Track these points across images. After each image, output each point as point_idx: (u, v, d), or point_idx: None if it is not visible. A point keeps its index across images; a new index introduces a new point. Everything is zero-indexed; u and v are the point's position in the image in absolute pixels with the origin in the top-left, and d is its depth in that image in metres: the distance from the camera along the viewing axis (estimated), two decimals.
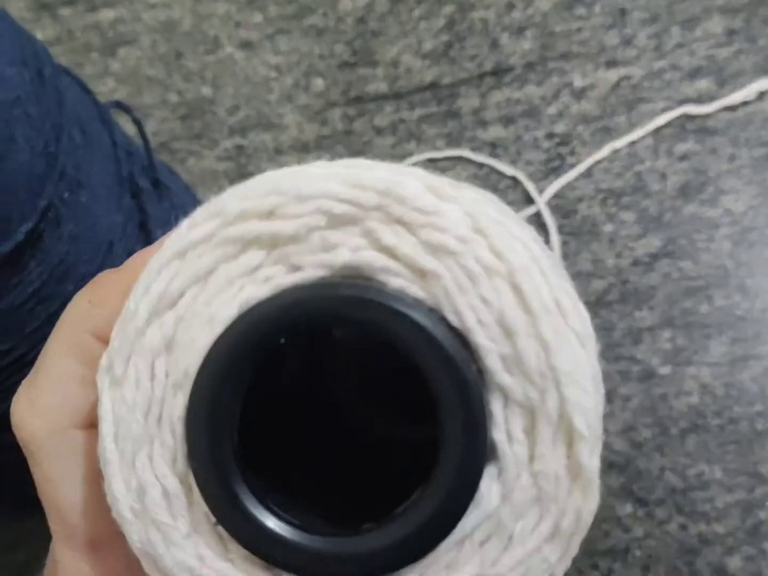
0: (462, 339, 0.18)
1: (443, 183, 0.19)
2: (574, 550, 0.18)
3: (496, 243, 0.18)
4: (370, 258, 0.18)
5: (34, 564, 0.50)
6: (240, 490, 0.18)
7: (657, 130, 0.53)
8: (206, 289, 0.19)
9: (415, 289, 0.18)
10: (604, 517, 0.46)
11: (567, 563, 0.18)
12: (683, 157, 0.52)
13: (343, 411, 0.23)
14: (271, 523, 0.18)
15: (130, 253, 0.36)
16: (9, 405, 0.30)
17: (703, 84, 0.54)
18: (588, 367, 0.19)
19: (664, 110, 0.53)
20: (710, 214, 0.51)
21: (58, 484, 0.21)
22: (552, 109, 0.55)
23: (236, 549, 0.18)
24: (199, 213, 0.19)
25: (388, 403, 0.22)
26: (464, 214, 0.18)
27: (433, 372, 0.17)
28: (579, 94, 0.55)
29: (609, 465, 0.47)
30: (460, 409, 0.17)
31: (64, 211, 0.32)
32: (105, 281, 0.21)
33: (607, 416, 0.48)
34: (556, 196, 0.53)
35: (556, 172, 0.53)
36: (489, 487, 0.18)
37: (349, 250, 0.18)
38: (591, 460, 0.18)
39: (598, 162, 0.53)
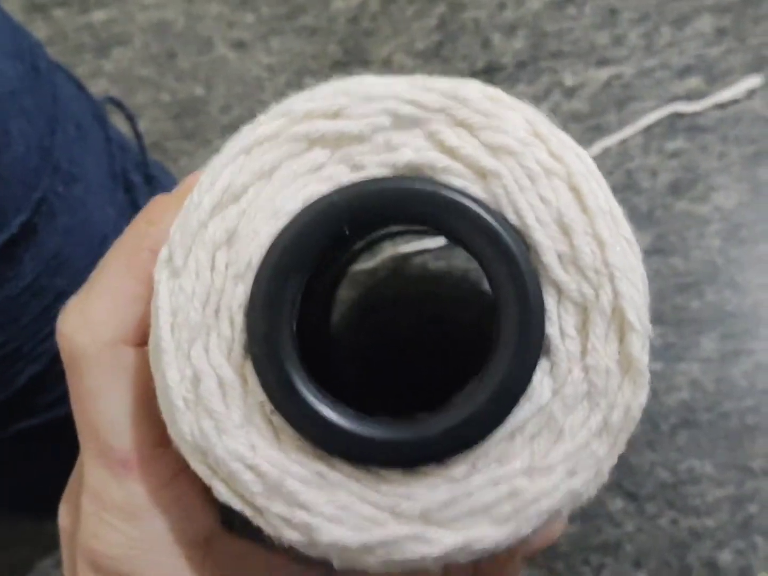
0: (521, 238, 0.18)
1: (502, 93, 0.20)
2: (621, 446, 0.19)
3: (555, 148, 0.19)
4: (432, 158, 0.19)
5: (28, 565, 0.50)
6: (297, 377, 0.18)
7: (647, 129, 0.54)
8: (270, 185, 0.19)
9: (475, 189, 0.19)
10: (596, 513, 0.46)
11: (613, 460, 0.19)
12: (673, 155, 0.53)
13: (402, 308, 0.23)
14: (327, 410, 0.18)
15: None
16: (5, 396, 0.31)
17: (692, 82, 0.54)
18: (638, 267, 0.19)
19: (654, 108, 0.54)
20: (700, 211, 0.51)
21: (98, 399, 0.21)
22: (543, 108, 0.55)
23: (289, 439, 0.18)
24: (265, 114, 0.20)
25: (448, 302, 0.23)
26: (524, 120, 0.20)
27: (492, 265, 0.18)
28: (570, 93, 0.55)
29: None
30: (517, 301, 0.18)
31: (59, 205, 0.33)
32: (161, 202, 0.22)
33: None
34: None
35: None
36: (541, 381, 0.19)
37: (412, 150, 0.19)
38: (642, 353, 0.19)
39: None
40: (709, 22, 0.55)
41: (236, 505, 0.19)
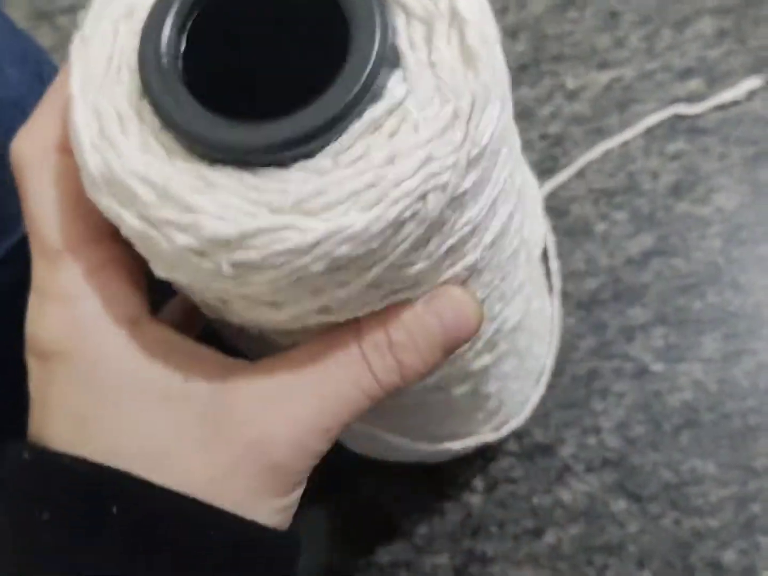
0: None
1: None
2: (472, 138, 0.21)
3: None
4: None
5: None
6: (182, 95, 0.21)
7: (648, 131, 0.54)
8: None
9: None
10: (599, 514, 0.46)
11: (470, 150, 0.21)
12: (674, 157, 0.53)
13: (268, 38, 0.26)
14: (206, 122, 0.21)
15: None
16: None
17: (693, 84, 0.54)
18: None
19: (656, 110, 0.54)
20: (702, 212, 0.52)
21: (37, 199, 0.24)
22: (545, 111, 0.56)
23: (177, 154, 0.21)
24: None
25: (305, 28, 0.25)
26: None
27: None
28: (571, 96, 0.56)
29: (603, 462, 0.47)
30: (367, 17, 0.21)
31: None
32: None
33: (601, 413, 0.48)
34: (550, 196, 0.53)
35: (549, 172, 0.54)
36: (395, 85, 0.21)
37: None
38: (478, 41, 0.21)
39: (591, 162, 0.53)
40: (709, 24, 0.56)
41: (136, 224, 0.21)
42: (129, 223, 0.21)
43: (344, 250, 0.20)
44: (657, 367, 0.49)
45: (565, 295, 0.51)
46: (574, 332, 0.50)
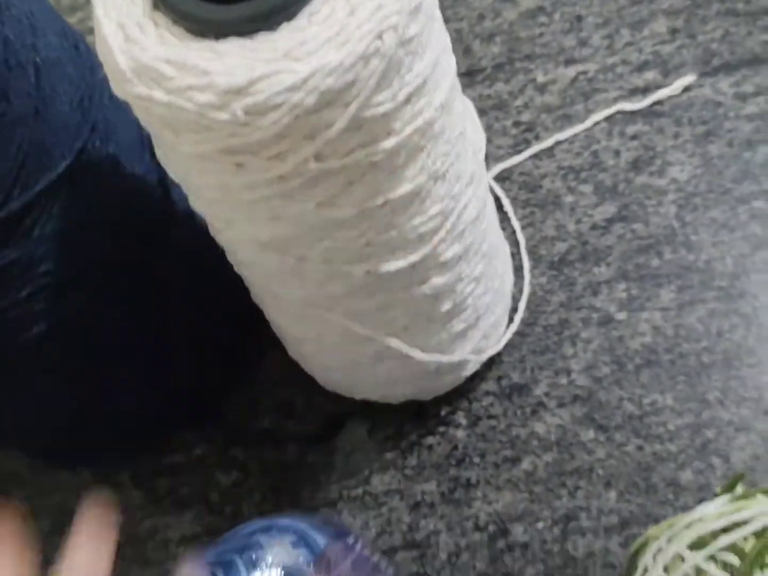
0: None
1: None
2: None
3: None
4: None
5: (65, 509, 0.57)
6: None
7: (609, 117, 0.61)
8: None
9: None
10: (570, 443, 0.52)
11: (410, 3, 0.28)
12: (634, 137, 0.60)
13: None
14: (209, 6, 0.27)
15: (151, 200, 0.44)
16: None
17: (650, 75, 0.61)
18: None
19: (617, 99, 0.61)
20: (658, 183, 0.58)
21: None
22: (518, 102, 0.63)
23: (189, 38, 0.28)
24: None
25: None
26: None
27: None
28: (542, 88, 0.63)
29: (573, 398, 0.53)
30: None
31: (95, 157, 0.40)
32: None
33: (571, 357, 0.54)
34: (524, 173, 0.60)
35: (522, 154, 0.61)
36: None
37: None
38: None
39: (559, 142, 0.60)
40: (663, 23, 0.63)
41: (164, 98, 0.28)
42: (159, 99, 0.28)
43: (328, 82, 0.27)
44: (620, 315, 0.55)
45: (538, 258, 0.57)
46: (546, 289, 0.56)
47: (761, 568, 0.38)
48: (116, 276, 0.43)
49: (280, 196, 0.32)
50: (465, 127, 0.38)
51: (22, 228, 0.37)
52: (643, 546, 0.43)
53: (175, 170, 0.34)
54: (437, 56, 0.32)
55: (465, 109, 0.38)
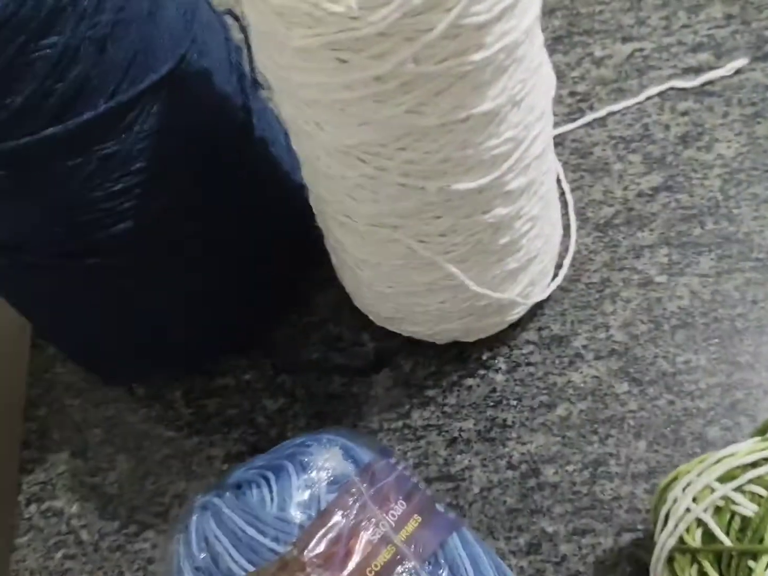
0: None
1: None
2: None
3: None
4: None
5: (117, 421, 0.60)
6: None
7: (661, 93, 0.63)
8: None
9: None
10: (605, 393, 0.54)
11: None
12: (684, 113, 0.62)
13: None
14: None
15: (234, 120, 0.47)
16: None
17: (703, 57, 0.64)
18: None
19: (670, 77, 0.63)
20: (705, 157, 0.60)
21: None
22: (575, 73, 0.66)
23: None
24: None
25: None
26: None
27: None
28: (598, 62, 0.66)
29: (610, 351, 0.55)
30: None
31: (193, 67, 0.43)
32: None
33: (610, 314, 0.57)
34: (576, 140, 0.63)
35: (576, 122, 0.63)
36: None
37: None
38: None
39: (612, 114, 0.63)
40: (719, 8, 0.65)
41: None
42: None
43: None
44: (660, 279, 0.57)
45: (585, 220, 0.60)
46: (591, 249, 0.59)
47: None
48: (195, 185, 0.46)
49: (373, 98, 0.34)
50: (542, 62, 0.40)
51: (125, 122, 0.40)
52: (673, 480, 0.45)
53: (276, 72, 0.36)
54: None
55: (542, 48, 0.41)
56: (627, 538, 0.50)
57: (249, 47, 0.50)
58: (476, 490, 0.53)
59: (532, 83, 0.39)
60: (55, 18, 0.34)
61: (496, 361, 0.57)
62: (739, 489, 0.41)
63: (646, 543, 0.50)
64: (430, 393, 0.56)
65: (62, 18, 0.35)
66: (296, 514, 0.44)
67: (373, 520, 0.44)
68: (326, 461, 0.46)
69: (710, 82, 0.63)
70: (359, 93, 0.34)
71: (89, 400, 0.60)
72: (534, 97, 0.40)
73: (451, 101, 0.35)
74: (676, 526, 0.42)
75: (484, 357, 0.57)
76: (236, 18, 0.50)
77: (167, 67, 0.41)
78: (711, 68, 0.63)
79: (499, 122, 0.38)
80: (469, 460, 0.54)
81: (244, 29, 0.50)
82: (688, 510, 0.42)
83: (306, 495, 0.44)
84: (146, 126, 0.41)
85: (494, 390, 0.56)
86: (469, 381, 0.56)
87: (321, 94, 0.35)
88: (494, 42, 0.34)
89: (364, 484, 0.46)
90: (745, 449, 0.43)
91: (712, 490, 0.42)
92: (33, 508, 0.57)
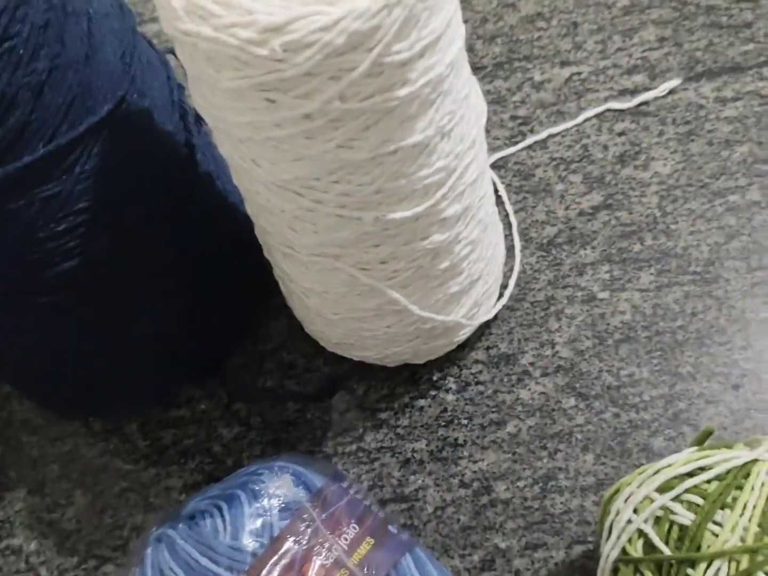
0: None
1: None
2: None
3: None
4: None
5: (75, 456, 0.60)
6: None
7: (599, 114, 0.65)
8: None
9: None
10: (553, 409, 0.56)
11: None
12: (621, 133, 0.64)
13: None
14: None
15: (178, 157, 0.47)
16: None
17: (638, 78, 0.66)
18: None
19: (607, 98, 0.65)
20: (642, 175, 0.62)
21: None
22: (516, 98, 0.67)
23: None
24: None
25: None
26: None
27: None
28: (538, 86, 0.67)
29: (557, 368, 0.57)
30: None
31: (133, 107, 0.44)
32: None
33: (556, 331, 0.58)
34: (519, 162, 0.64)
35: (517, 145, 0.65)
36: None
37: None
38: None
39: (552, 136, 0.65)
40: (653, 31, 0.68)
41: (211, 33, 0.31)
42: (205, 35, 0.32)
43: (356, 25, 0.30)
44: (603, 295, 0.59)
45: (529, 240, 0.61)
46: (535, 268, 0.60)
47: (722, 507, 0.41)
48: (141, 223, 0.47)
49: (304, 134, 0.36)
50: (470, 92, 0.42)
51: (66, 164, 0.40)
52: (616, 493, 0.47)
53: (211, 111, 0.38)
54: (450, 18, 0.36)
55: (470, 79, 0.42)
56: (578, 550, 0.52)
57: None
58: (430, 509, 0.54)
59: (460, 114, 0.41)
60: None
61: (447, 381, 0.58)
62: (677, 498, 0.43)
63: (596, 554, 0.51)
64: (383, 415, 0.57)
65: None
66: (249, 543, 0.44)
67: (326, 544, 0.45)
68: (277, 488, 0.47)
69: (645, 103, 0.65)
70: (289, 130, 0.35)
71: (46, 436, 0.61)
72: (463, 126, 0.42)
73: (380, 135, 0.37)
74: (618, 537, 0.44)
75: (435, 378, 0.58)
76: (177, 57, 0.51)
77: (106, 108, 0.42)
78: (646, 89, 0.65)
79: (429, 153, 0.40)
80: (423, 480, 0.55)
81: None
82: (629, 521, 0.43)
83: (258, 523, 0.45)
84: (87, 167, 0.42)
85: (445, 410, 0.57)
86: (421, 402, 0.57)
87: (254, 132, 0.36)
88: (418, 77, 0.35)
89: (316, 509, 0.46)
90: (683, 459, 0.44)
91: (652, 501, 0.43)
92: None
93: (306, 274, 0.48)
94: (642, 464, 0.53)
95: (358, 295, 0.48)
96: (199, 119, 0.52)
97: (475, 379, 0.58)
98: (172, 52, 0.49)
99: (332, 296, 0.49)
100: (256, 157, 0.39)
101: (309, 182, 0.39)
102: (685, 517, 0.42)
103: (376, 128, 0.36)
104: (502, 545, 0.52)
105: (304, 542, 0.45)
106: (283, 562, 0.44)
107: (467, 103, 0.41)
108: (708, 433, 0.47)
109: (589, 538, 0.52)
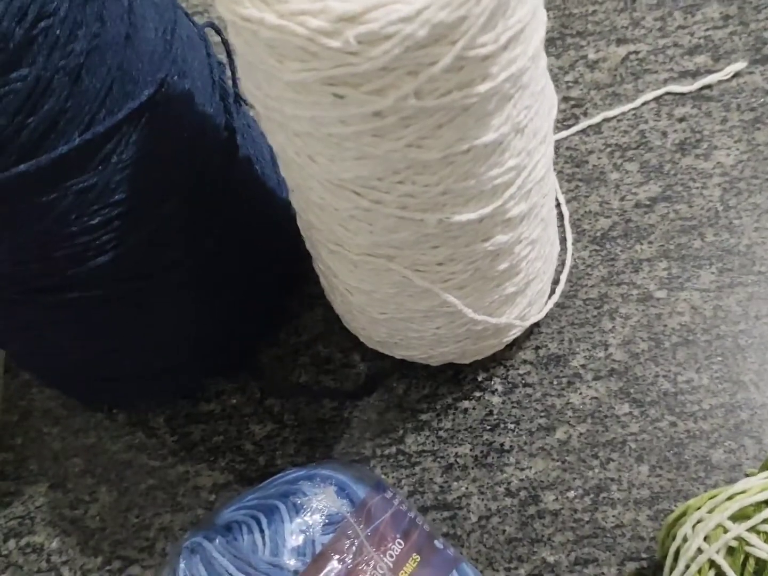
0: None
1: None
2: None
3: None
4: None
5: (98, 450, 0.57)
6: None
7: (658, 98, 0.61)
8: None
9: None
10: (605, 415, 0.52)
11: None
12: (682, 119, 0.60)
13: None
14: None
15: (217, 141, 0.44)
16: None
17: (700, 59, 0.62)
18: None
19: (667, 81, 0.61)
20: (704, 166, 0.58)
21: None
22: (568, 77, 0.63)
23: None
24: None
25: None
26: None
27: None
28: (592, 66, 0.63)
29: (610, 371, 0.53)
30: None
31: (173, 90, 0.40)
32: None
33: (609, 331, 0.55)
34: (570, 148, 0.60)
35: (570, 129, 0.61)
36: None
37: None
38: None
39: (607, 120, 0.61)
40: (716, 8, 0.63)
41: (275, 21, 0.28)
42: (269, 22, 0.28)
43: (441, 16, 0.27)
44: (660, 294, 0.55)
45: (581, 232, 0.58)
46: (588, 263, 0.57)
47: None
48: (178, 214, 0.43)
49: (371, 133, 0.32)
50: (545, 84, 0.38)
51: (102, 154, 0.37)
52: (681, 516, 0.44)
53: (265, 102, 0.34)
54: (536, 5, 0.33)
55: (546, 70, 0.39)
56: (631, 567, 0.49)
57: (232, 62, 0.48)
58: (474, 518, 0.51)
59: (536, 108, 0.37)
60: (26, 49, 0.32)
61: (492, 382, 0.55)
62: (753, 529, 0.40)
63: (651, 573, 0.48)
64: (425, 417, 0.54)
65: (33, 48, 0.32)
66: (290, 561, 0.42)
67: (371, 562, 0.42)
68: (320, 502, 0.44)
69: (708, 86, 0.61)
70: (355, 128, 0.32)
71: (67, 427, 0.58)
72: (537, 121, 0.38)
73: (453, 134, 0.33)
74: (687, 566, 0.41)
75: (480, 378, 0.55)
76: (218, 31, 0.47)
77: (147, 93, 0.38)
78: (708, 72, 0.61)
79: (502, 151, 0.36)
80: (466, 488, 0.52)
81: (226, 43, 0.47)
82: (699, 550, 0.40)
83: (300, 539, 0.42)
84: (125, 156, 0.38)
85: (491, 413, 0.54)
86: (465, 404, 0.54)
87: (314, 127, 0.33)
88: (500, 72, 0.32)
89: (360, 525, 0.44)
90: (759, 485, 0.41)
91: (725, 530, 0.40)
92: (11, 543, 0.55)
93: (354, 272, 0.44)
94: (700, 477, 0.50)
95: (409, 296, 0.44)
96: (238, 99, 0.48)
97: (523, 381, 0.54)
98: (212, 25, 0.45)
99: (380, 296, 0.45)
100: (313, 153, 0.35)
101: (371, 182, 0.35)
102: (762, 550, 0.39)
103: (449, 126, 0.33)
104: (551, 559, 0.49)
105: (349, 560, 0.42)
106: None
107: (542, 95, 0.38)
108: None
109: (643, 555, 0.49)
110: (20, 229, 0.38)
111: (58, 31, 0.32)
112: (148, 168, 0.40)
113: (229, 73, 0.48)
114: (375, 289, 0.45)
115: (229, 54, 0.48)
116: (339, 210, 0.38)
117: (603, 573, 0.49)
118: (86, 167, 0.37)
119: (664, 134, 0.60)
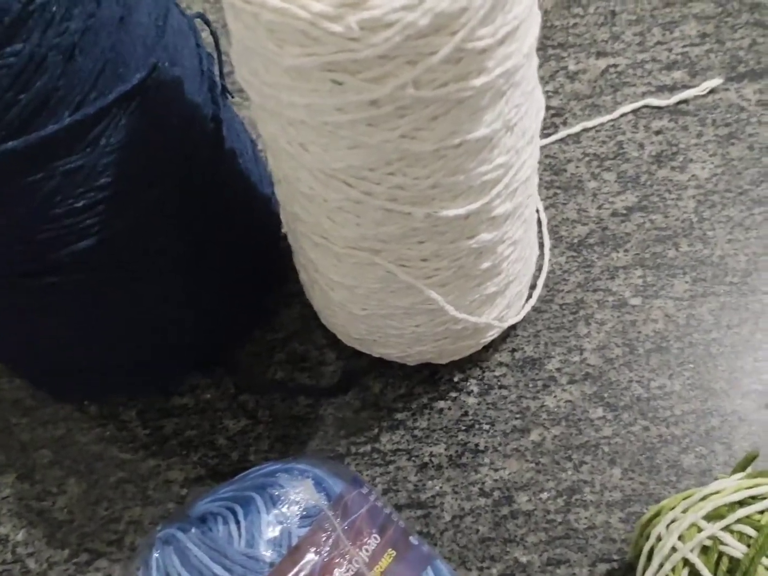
0: None
1: None
2: None
3: None
4: None
5: (67, 443, 0.56)
6: None
7: (636, 110, 0.62)
8: None
9: None
10: (579, 418, 0.53)
11: None
12: (658, 132, 0.61)
13: None
14: None
15: (204, 131, 0.44)
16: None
17: (677, 75, 0.63)
18: None
19: (645, 94, 0.62)
20: (679, 178, 0.60)
21: None
22: (549, 87, 0.64)
23: None
24: None
25: None
26: None
27: None
28: (572, 77, 0.64)
29: (585, 376, 0.54)
30: None
31: (164, 76, 0.40)
32: None
33: (584, 336, 0.55)
34: (549, 156, 0.61)
35: (550, 138, 0.62)
36: None
37: None
38: None
39: (586, 130, 0.62)
40: (694, 26, 0.65)
41: (277, 3, 0.28)
42: (272, 5, 0.28)
43: (443, 5, 0.27)
44: (635, 301, 0.56)
45: (559, 239, 0.58)
46: (564, 269, 0.58)
47: None
48: (163, 202, 0.43)
49: (367, 122, 0.32)
50: (535, 85, 0.39)
51: (91, 136, 0.37)
52: (656, 516, 0.44)
53: (260, 89, 0.34)
54: (531, 3, 0.33)
55: (536, 71, 0.39)
56: (602, 568, 0.49)
57: (219, 53, 0.48)
58: (447, 518, 0.51)
59: (525, 107, 0.37)
60: (21, 24, 0.32)
61: (468, 383, 0.55)
62: (727, 528, 0.40)
63: (622, 574, 0.49)
64: (400, 416, 0.55)
65: (28, 24, 0.32)
66: (266, 552, 0.41)
67: (346, 556, 0.42)
68: (298, 494, 0.44)
69: (684, 101, 0.62)
70: (352, 116, 0.32)
71: (37, 418, 0.57)
72: (527, 121, 0.38)
73: (447, 127, 0.33)
74: (661, 565, 0.41)
75: (456, 379, 0.55)
76: (207, 23, 0.47)
77: (138, 76, 0.38)
78: (685, 87, 0.63)
79: (492, 148, 0.36)
80: (441, 487, 0.52)
81: (215, 34, 0.48)
82: (674, 549, 0.41)
83: (277, 531, 0.42)
84: (113, 140, 0.38)
85: (466, 413, 0.54)
86: (441, 404, 0.55)
87: (310, 115, 0.33)
88: (495, 67, 0.32)
89: (337, 519, 0.43)
90: (733, 486, 0.42)
91: (699, 529, 0.41)
92: None
93: (337, 266, 0.44)
94: (671, 481, 0.51)
95: (392, 292, 0.45)
96: (224, 91, 0.48)
97: (499, 383, 0.55)
98: (201, 16, 0.45)
99: (363, 291, 0.46)
100: (306, 142, 0.35)
101: (362, 173, 0.36)
102: (736, 548, 0.39)
103: (444, 119, 0.33)
104: (523, 559, 0.50)
105: (325, 553, 0.42)
106: (302, 574, 0.41)
107: (532, 96, 0.38)
108: (752, 458, 0.45)
109: (614, 556, 0.49)
110: (3, 210, 0.37)
111: (54, 8, 0.32)
112: (135, 153, 0.40)
113: (217, 66, 0.48)
114: (358, 284, 0.45)
115: (218, 46, 0.48)
116: (328, 201, 0.38)
117: (575, 574, 0.49)
118: (74, 148, 0.36)
119: (641, 146, 0.61)
